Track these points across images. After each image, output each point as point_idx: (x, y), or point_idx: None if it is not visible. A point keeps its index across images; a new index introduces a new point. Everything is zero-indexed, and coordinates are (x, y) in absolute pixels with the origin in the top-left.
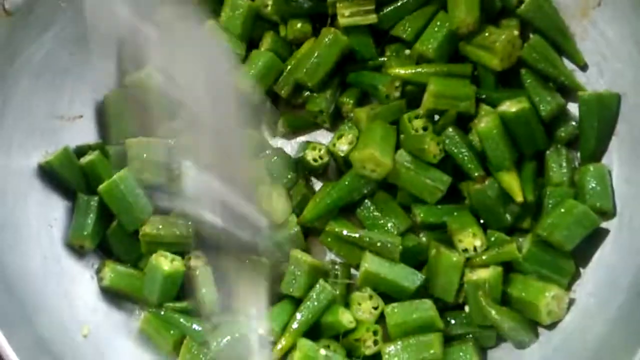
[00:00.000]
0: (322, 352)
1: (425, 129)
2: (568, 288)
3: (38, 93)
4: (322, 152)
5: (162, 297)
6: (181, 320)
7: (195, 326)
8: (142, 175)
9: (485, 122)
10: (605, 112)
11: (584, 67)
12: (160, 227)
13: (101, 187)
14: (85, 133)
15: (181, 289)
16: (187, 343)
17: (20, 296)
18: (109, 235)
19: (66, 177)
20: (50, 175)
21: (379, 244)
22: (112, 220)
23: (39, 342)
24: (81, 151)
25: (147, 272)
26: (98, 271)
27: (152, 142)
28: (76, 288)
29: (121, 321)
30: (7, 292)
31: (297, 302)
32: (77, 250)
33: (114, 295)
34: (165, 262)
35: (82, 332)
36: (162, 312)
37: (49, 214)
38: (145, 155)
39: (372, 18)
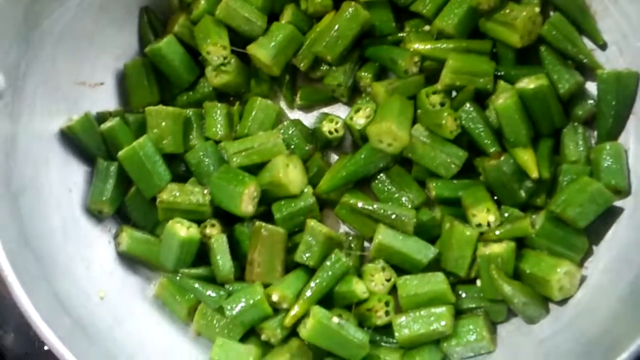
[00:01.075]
0: (335, 320)
1: (442, 104)
2: (580, 265)
3: (61, 59)
4: (338, 125)
5: (178, 263)
6: (196, 286)
7: (210, 292)
8: (161, 143)
9: (504, 99)
10: (624, 91)
11: (603, 46)
12: (177, 194)
13: (120, 153)
14: (106, 100)
15: (197, 256)
16: (202, 309)
17: (40, 257)
18: (127, 201)
19: (87, 143)
20: (71, 140)
21: (393, 217)
22: (131, 187)
23: (57, 301)
24: (102, 118)
25: (163, 239)
26: (115, 236)
27: (172, 111)
28: (94, 252)
29: (137, 286)
30: (28, 252)
31: (311, 271)
32: (95, 215)
33: (130, 261)
34: (181, 229)
35: (99, 295)
36: (178, 278)
37: (68, 178)
38: (164, 123)
39: None
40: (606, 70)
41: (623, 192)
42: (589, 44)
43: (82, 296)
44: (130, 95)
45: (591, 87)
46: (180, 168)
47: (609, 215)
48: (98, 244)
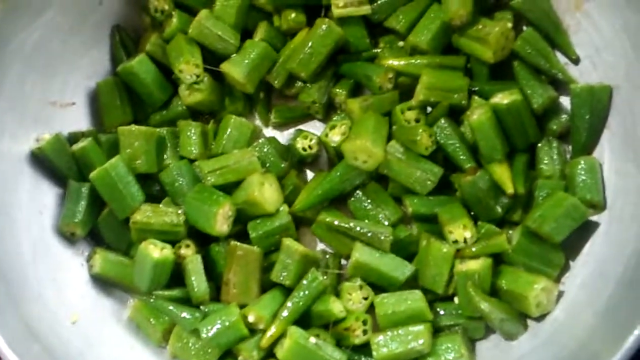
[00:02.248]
0: (312, 340)
1: (417, 120)
2: (557, 280)
3: (30, 79)
4: (312, 142)
5: (152, 285)
6: (171, 308)
7: (185, 314)
8: (134, 163)
9: (478, 114)
10: (597, 105)
11: (576, 61)
12: (151, 215)
13: (93, 174)
14: (77, 120)
15: (171, 277)
16: (177, 331)
17: (9, 282)
18: (100, 223)
19: (58, 164)
20: (41, 161)
21: (370, 235)
22: (103, 208)
23: (25, 327)
24: (74, 138)
25: (136, 260)
26: (88, 259)
27: (144, 131)
28: (66, 275)
29: (111, 309)
30: None
31: (287, 291)
32: (67, 237)
33: (103, 283)
34: (154, 250)
35: (71, 319)
36: (152, 300)
37: (39, 200)
38: (137, 143)
39: (366, 9)
40: (579, 85)
41: (598, 206)
42: (562, 58)
43: (52, 321)
44: (102, 115)
45: (565, 101)
46: (154, 188)
47: (585, 230)
48: (70, 267)
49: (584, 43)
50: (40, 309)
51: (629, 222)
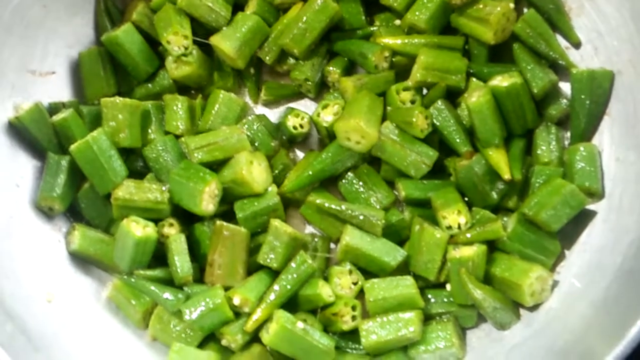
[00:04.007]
0: (300, 324)
1: (413, 102)
2: (552, 269)
3: (8, 46)
4: (304, 120)
5: (133, 264)
6: (152, 288)
7: (167, 295)
8: (117, 137)
9: (477, 96)
10: (597, 90)
11: (577, 45)
12: (134, 191)
13: (73, 146)
14: (58, 90)
15: (153, 257)
16: (158, 312)
17: None
18: (80, 198)
19: (37, 135)
20: (19, 132)
21: (361, 217)
22: (84, 183)
23: (1, 306)
24: (54, 109)
25: (117, 238)
26: (66, 235)
27: (129, 103)
28: (42, 251)
29: (89, 288)
30: None
31: (274, 274)
32: (45, 212)
33: (82, 261)
34: (137, 228)
35: (47, 298)
36: (133, 280)
37: (16, 172)
38: (121, 116)
39: None
40: (580, 69)
41: (597, 194)
42: (563, 42)
43: (27, 299)
44: (84, 86)
45: (565, 87)
46: (137, 164)
47: (582, 219)
48: (47, 243)
49: (586, 27)
50: (14, 286)
51: (628, 211)
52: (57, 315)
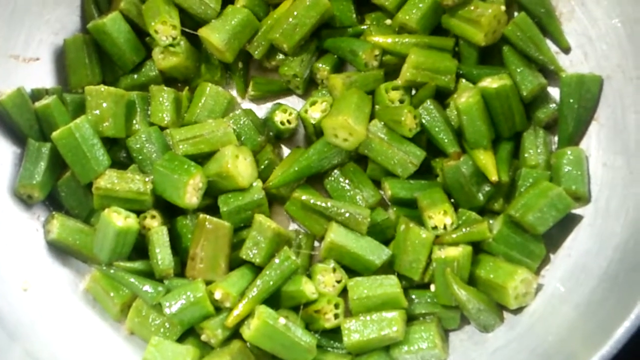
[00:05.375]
0: (282, 321)
1: (402, 101)
2: (537, 272)
3: None
4: (291, 116)
5: (113, 255)
6: (132, 280)
7: (147, 288)
8: (100, 126)
9: (466, 97)
10: (586, 95)
11: (567, 50)
12: (116, 181)
13: (55, 133)
14: (41, 77)
15: (134, 248)
16: (137, 305)
17: None
18: (60, 187)
19: (17, 121)
20: (0, 116)
21: (347, 215)
22: (65, 171)
23: None
24: (37, 95)
25: (98, 228)
26: (45, 223)
27: (114, 92)
28: (19, 239)
29: (66, 278)
30: None
31: (257, 269)
32: (23, 199)
33: (60, 251)
34: (118, 218)
35: (23, 286)
36: (112, 272)
37: None
38: (105, 105)
39: None
40: (569, 73)
41: (583, 198)
42: (552, 47)
43: (2, 287)
44: (69, 74)
45: (554, 92)
46: (120, 154)
47: (568, 223)
48: (24, 231)
49: (576, 31)
50: None
51: (614, 216)
52: (33, 304)
